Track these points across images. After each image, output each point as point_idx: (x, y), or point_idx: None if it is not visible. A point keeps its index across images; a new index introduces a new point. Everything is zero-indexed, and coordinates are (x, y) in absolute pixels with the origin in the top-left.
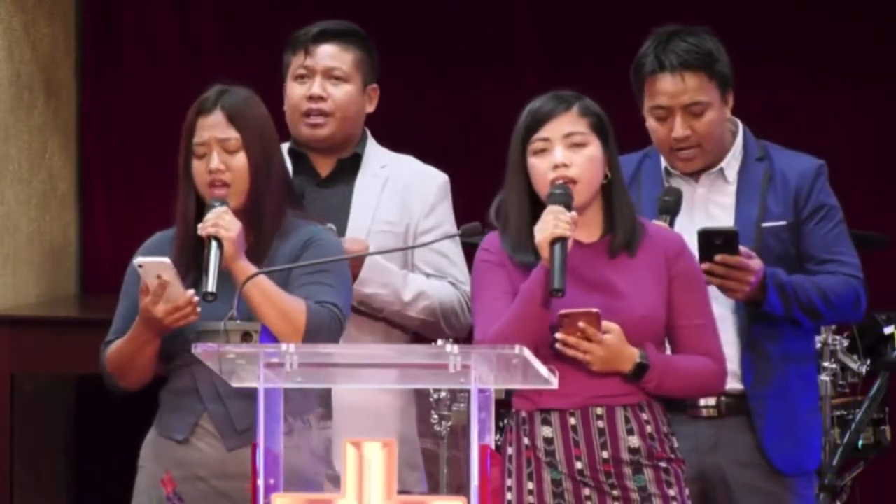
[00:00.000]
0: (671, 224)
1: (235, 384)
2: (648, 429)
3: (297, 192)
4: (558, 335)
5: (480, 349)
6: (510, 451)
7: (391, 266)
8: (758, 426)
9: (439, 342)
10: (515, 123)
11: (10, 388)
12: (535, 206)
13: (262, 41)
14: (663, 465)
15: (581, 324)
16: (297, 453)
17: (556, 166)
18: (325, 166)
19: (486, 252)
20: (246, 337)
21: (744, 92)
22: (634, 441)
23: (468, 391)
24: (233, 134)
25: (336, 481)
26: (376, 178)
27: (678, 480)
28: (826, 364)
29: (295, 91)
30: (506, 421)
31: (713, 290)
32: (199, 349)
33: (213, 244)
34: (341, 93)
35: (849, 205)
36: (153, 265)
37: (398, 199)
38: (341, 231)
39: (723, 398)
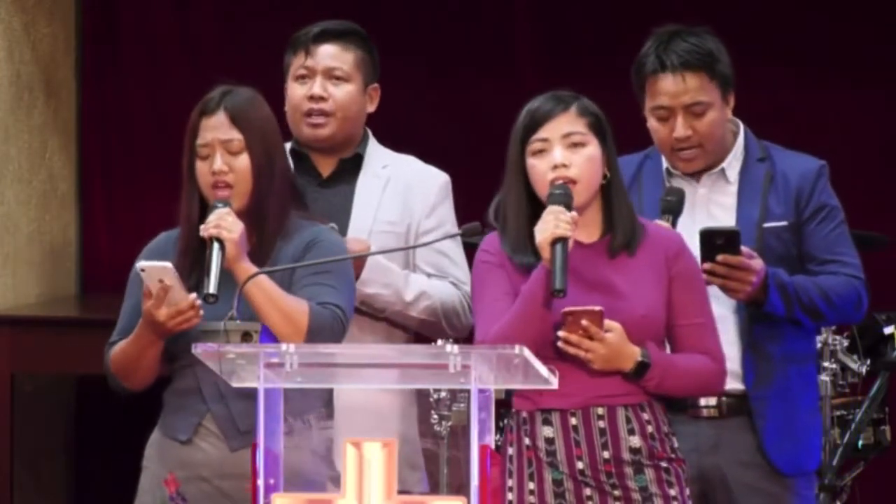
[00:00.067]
0: (674, 224)
1: (235, 384)
2: (649, 429)
3: (301, 193)
4: (561, 333)
5: (480, 349)
6: (511, 451)
7: (393, 266)
8: (759, 426)
9: (439, 342)
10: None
11: (10, 388)
12: (534, 207)
13: (262, 41)
14: (664, 464)
15: (584, 322)
16: (297, 453)
17: (555, 166)
18: (326, 166)
19: (485, 253)
20: (246, 337)
21: (744, 92)
22: (635, 441)
23: (468, 391)
24: (236, 135)
25: (338, 482)
26: (378, 179)
27: (679, 480)
28: (826, 364)
29: (296, 91)
30: (506, 421)
31: (714, 290)
32: (199, 349)
33: (215, 245)
34: (342, 93)
35: (849, 205)
36: (155, 269)
37: (399, 200)
38: (342, 231)
39: (724, 398)
